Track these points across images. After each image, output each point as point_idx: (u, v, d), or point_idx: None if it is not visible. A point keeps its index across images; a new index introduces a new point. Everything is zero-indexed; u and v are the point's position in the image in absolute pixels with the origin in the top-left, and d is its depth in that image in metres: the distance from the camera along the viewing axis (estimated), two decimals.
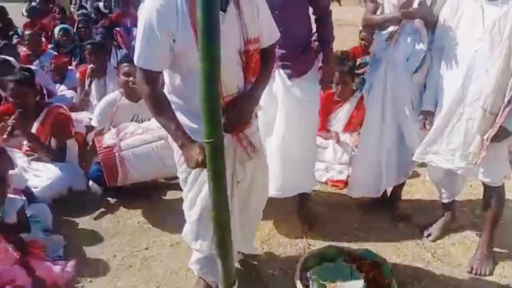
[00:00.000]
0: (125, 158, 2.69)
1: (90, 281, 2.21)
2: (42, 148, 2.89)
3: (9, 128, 2.79)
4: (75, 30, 5.94)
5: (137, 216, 2.80)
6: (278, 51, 2.18)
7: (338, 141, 3.30)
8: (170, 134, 1.62)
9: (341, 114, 3.40)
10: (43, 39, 5.75)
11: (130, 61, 3.04)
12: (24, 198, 2.35)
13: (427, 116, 2.31)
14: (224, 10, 1.50)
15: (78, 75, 4.08)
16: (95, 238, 2.55)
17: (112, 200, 2.96)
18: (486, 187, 2.26)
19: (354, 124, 3.37)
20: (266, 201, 2.13)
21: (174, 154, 1.83)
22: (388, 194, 2.86)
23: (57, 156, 2.94)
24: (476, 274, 2.25)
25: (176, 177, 3.00)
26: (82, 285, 2.18)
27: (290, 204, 2.69)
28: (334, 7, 2.56)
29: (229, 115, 1.56)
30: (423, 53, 2.25)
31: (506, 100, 1.94)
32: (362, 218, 2.77)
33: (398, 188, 2.81)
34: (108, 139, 2.67)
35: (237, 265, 2.13)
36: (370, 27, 2.59)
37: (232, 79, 1.61)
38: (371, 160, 2.59)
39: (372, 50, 2.54)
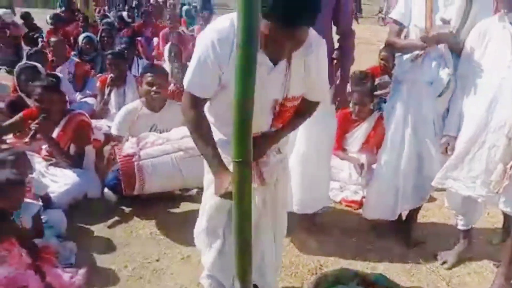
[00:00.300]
0: (144, 168, 2.70)
1: None
2: (62, 153, 2.94)
3: (31, 132, 2.85)
4: (98, 38, 6.08)
5: (150, 226, 2.80)
6: None
7: (361, 168, 3.25)
8: (206, 159, 1.63)
9: (358, 134, 3.38)
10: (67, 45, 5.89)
11: (153, 71, 3.10)
12: (40, 203, 2.38)
13: (449, 141, 2.28)
14: (275, 64, 1.52)
15: (98, 83, 4.15)
16: (107, 246, 2.56)
17: (126, 209, 2.97)
18: (506, 216, 2.21)
19: (370, 144, 3.34)
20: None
21: (204, 172, 1.85)
22: (404, 217, 2.82)
23: (75, 162, 2.98)
24: None
25: (191, 189, 3.07)
26: None
27: (303, 222, 2.67)
28: (353, 26, 2.56)
29: None
30: (447, 78, 2.23)
31: None
32: (376, 241, 2.73)
33: (414, 212, 2.76)
34: (128, 148, 2.70)
35: None
36: (393, 50, 2.59)
37: (258, 122, 1.59)
38: (388, 182, 2.55)
39: (395, 73, 2.53)
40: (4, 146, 3.06)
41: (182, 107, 1.64)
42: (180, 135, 2.78)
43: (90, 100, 4.44)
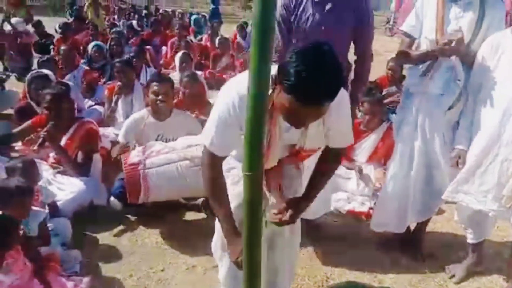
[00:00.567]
0: (149, 176, 2.70)
1: None
2: (69, 161, 2.94)
3: (40, 140, 2.86)
4: (107, 47, 6.15)
5: (155, 235, 2.79)
6: None
7: (361, 174, 3.23)
8: (219, 220, 1.63)
9: (366, 144, 3.36)
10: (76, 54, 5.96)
11: (159, 80, 3.12)
12: (46, 211, 2.38)
13: (460, 154, 2.25)
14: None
15: (106, 92, 4.18)
16: (112, 255, 2.55)
17: (132, 218, 2.96)
18: None
19: (379, 155, 3.32)
20: None
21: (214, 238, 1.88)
22: (412, 229, 2.77)
23: (82, 170, 2.98)
24: None
25: (196, 198, 3.05)
26: None
27: (309, 233, 2.64)
28: None
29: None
30: (458, 90, 2.21)
31: None
32: (383, 253, 2.69)
33: (422, 225, 2.72)
34: (134, 156, 2.70)
35: None
36: (405, 62, 2.58)
37: (275, 158, 1.60)
38: (397, 194, 2.52)
39: (406, 84, 2.52)
40: (13, 154, 3.07)
41: (201, 163, 1.62)
42: (186, 144, 2.78)
43: (98, 107, 4.47)
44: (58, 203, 2.71)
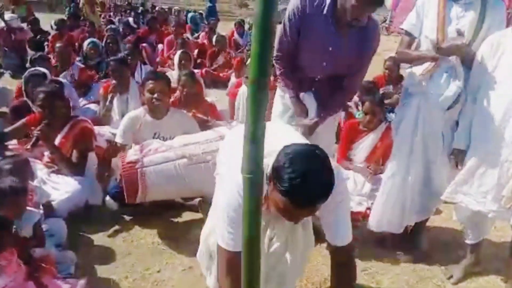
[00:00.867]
0: (146, 175, 2.66)
1: None
2: (64, 160, 2.90)
3: (33, 139, 2.82)
4: (103, 44, 6.09)
5: (151, 236, 2.76)
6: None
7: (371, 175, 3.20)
8: None
9: (364, 144, 3.33)
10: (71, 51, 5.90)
11: (155, 78, 3.08)
12: (41, 211, 2.35)
13: (459, 154, 2.24)
14: None
15: (101, 90, 4.13)
16: (108, 256, 2.52)
17: (127, 218, 2.93)
18: None
19: (377, 155, 3.30)
20: None
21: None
22: (410, 230, 2.76)
23: (77, 169, 2.94)
24: None
25: (193, 198, 3.03)
26: None
27: None
28: None
29: None
30: (458, 90, 2.20)
31: None
32: (381, 254, 2.67)
33: (420, 225, 2.71)
34: (132, 155, 2.66)
35: None
36: (404, 61, 2.56)
37: None
38: (395, 194, 2.51)
39: (405, 85, 2.50)
40: (7, 153, 3.03)
41: (219, 271, 1.57)
42: (183, 143, 2.75)
43: (93, 106, 4.43)
44: (53, 203, 2.68)
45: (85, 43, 5.88)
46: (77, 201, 2.82)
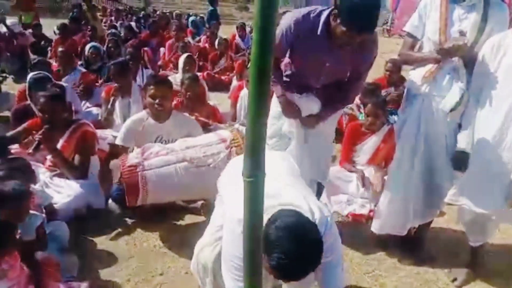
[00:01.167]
0: (147, 178, 2.66)
1: None
2: (66, 164, 2.90)
3: (35, 143, 2.82)
4: (105, 48, 6.10)
5: (154, 239, 2.75)
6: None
7: (363, 180, 3.20)
8: None
9: (368, 146, 3.33)
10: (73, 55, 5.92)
11: (156, 83, 3.08)
12: (43, 215, 2.34)
13: (462, 156, 2.23)
14: None
15: (103, 93, 4.14)
16: (110, 259, 2.51)
17: (129, 221, 2.92)
18: None
19: (379, 157, 3.29)
20: None
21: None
22: (413, 232, 2.75)
23: (80, 173, 2.94)
24: None
25: (195, 201, 3.02)
26: None
27: None
28: None
29: None
30: (461, 92, 2.19)
31: None
32: (385, 256, 2.66)
33: (424, 227, 2.70)
34: (133, 158, 2.66)
35: None
36: (407, 63, 2.56)
37: None
38: (399, 196, 2.49)
39: (408, 86, 2.49)
40: (9, 157, 3.03)
41: None
42: (184, 146, 2.75)
43: (95, 110, 4.43)
44: (56, 206, 2.67)
45: (87, 47, 5.89)
46: (79, 204, 2.82)
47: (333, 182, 3.22)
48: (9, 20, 7.63)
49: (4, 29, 7.36)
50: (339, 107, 2.57)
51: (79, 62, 5.72)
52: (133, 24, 10.31)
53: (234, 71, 6.74)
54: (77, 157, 2.97)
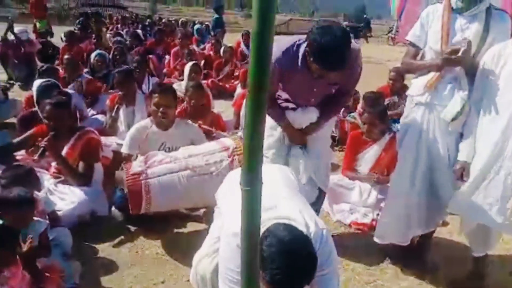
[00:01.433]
0: (150, 186, 2.67)
1: None
2: (70, 171, 2.93)
3: (41, 149, 2.85)
4: (111, 56, 6.16)
5: (156, 246, 2.76)
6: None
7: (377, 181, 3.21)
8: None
9: (369, 155, 3.33)
10: (79, 63, 5.98)
11: (160, 91, 3.10)
12: (47, 221, 2.36)
13: (464, 166, 2.23)
14: None
15: (108, 101, 4.18)
16: (112, 267, 2.52)
17: (132, 228, 2.94)
18: None
19: (381, 166, 3.29)
20: None
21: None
22: (416, 242, 2.74)
23: (84, 180, 2.97)
24: None
25: (198, 209, 3.03)
26: None
27: None
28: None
29: None
30: (462, 101, 2.19)
31: None
32: (387, 266, 2.65)
33: (426, 237, 2.69)
34: (136, 166, 2.68)
35: None
36: (409, 72, 2.58)
37: None
38: (401, 205, 2.49)
39: (409, 95, 2.50)
40: (14, 163, 3.07)
41: None
42: (187, 154, 2.77)
43: (100, 117, 4.47)
44: (59, 212, 2.69)
45: (92, 55, 5.95)
46: (83, 211, 2.84)
47: (335, 191, 3.22)
48: (17, 28, 7.73)
49: (12, 37, 7.46)
50: (331, 115, 2.66)
51: (85, 70, 5.79)
52: (140, 32, 10.41)
53: (238, 79, 6.78)
54: (81, 164, 3.00)
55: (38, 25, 10.11)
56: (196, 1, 53.09)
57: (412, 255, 2.67)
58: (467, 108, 2.21)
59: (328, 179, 2.81)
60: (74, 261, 2.43)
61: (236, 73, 7.13)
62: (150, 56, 6.98)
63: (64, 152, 2.96)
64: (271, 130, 2.58)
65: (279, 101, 2.58)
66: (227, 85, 7.00)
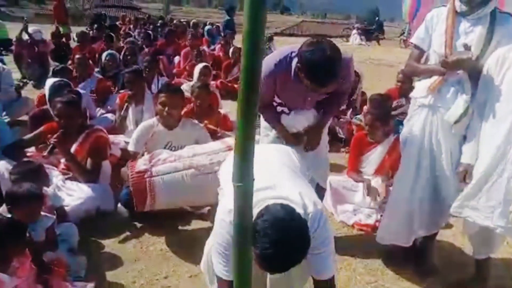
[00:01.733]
0: (155, 184, 2.72)
1: None
2: (78, 168, 3.00)
3: (50, 146, 2.93)
4: (121, 56, 6.25)
5: (160, 243, 2.81)
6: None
7: (369, 190, 3.20)
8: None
9: (373, 157, 3.34)
10: (90, 62, 6.08)
11: (167, 91, 3.16)
12: (54, 216, 2.42)
13: (467, 169, 2.23)
14: None
15: (117, 100, 4.25)
16: (117, 261, 2.58)
17: (138, 225, 2.99)
18: None
19: (385, 168, 3.29)
20: None
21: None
22: (418, 244, 2.73)
23: (91, 176, 3.03)
24: None
25: (202, 207, 3.07)
26: None
27: None
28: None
29: None
30: (465, 104, 2.19)
31: None
32: (389, 267, 2.65)
33: (429, 239, 2.68)
34: (141, 164, 2.73)
35: None
36: (412, 75, 2.59)
37: None
38: (404, 207, 2.49)
39: (413, 98, 2.50)
40: (24, 159, 3.15)
41: None
42: (192, 153, 2.81)
43: (110, 115, 4.55)
44: (66, 208, 2.76)
45: (103, 54, 6.05)
46: (89, 207, 2.90)
47: (339, 191, 3.24)
48: (31, 28, 7.89)
49: (26, 37, 7.62)
50: (330, 116, 2.70)
51: (96, 69, 5.88)
52: (150, 32, 10.50)
53: None
54: (89, 161, 3.06)
55: (61, 29, 10.33)
56: (209, 3, 53.39)
57: (414, 257, 2.67)
58: (470, 110, 2.21)
59: (327, 175, 2.83)
60: (80, 255, 2.49)
61: None
62: (160, 56, 7.06)
63: (73, 149, 3.03)
64: (266, 130, 2.62)
65: (274, 104, 2.61)
66: (235, 86, 7.04)
